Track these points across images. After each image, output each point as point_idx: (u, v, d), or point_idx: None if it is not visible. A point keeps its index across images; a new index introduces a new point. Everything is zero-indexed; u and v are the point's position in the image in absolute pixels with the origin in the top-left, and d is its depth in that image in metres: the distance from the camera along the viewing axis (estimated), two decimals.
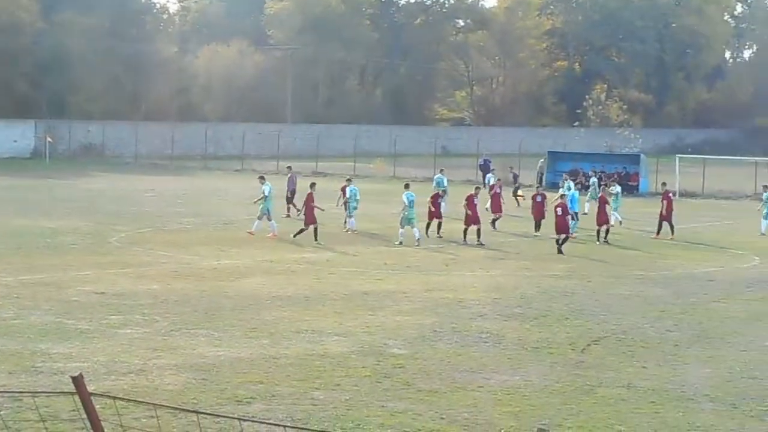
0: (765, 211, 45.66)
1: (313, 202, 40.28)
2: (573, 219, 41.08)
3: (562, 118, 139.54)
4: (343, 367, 20.39)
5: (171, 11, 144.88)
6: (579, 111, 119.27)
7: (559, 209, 39.47)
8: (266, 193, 41.70)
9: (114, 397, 7.90)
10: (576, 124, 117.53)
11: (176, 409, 10.64)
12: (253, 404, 17.86)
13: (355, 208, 44.80)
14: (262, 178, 43.86)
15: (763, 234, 44.81)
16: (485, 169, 69.48)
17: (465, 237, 40.44)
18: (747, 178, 68.22)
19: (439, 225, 42.10)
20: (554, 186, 67.58)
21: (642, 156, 73.63)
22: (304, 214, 40.46)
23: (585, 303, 27.95)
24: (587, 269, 34.59)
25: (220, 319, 24.58)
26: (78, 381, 7.44)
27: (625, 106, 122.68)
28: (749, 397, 18.89)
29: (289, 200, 49.60)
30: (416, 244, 39.38)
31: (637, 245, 41.41)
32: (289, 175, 51.69)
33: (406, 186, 42.67)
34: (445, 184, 53.68)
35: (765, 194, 46.79)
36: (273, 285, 29.61)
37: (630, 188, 66.16)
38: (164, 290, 28.27)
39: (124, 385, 18.75)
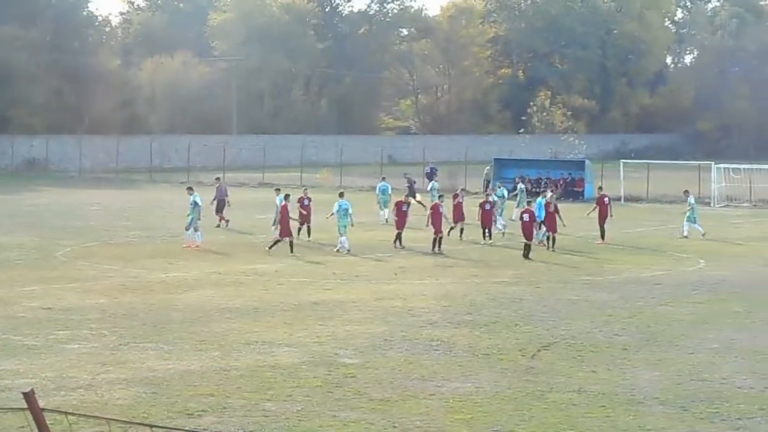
0: (688, 214, 46.16)
1: (288, 214, 40.15)
2: (539, 228, 41.43)
3: (508, 125, 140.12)
4: (294, 378, 20.34)
5: (113, 23, 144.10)
6: (524, 118, 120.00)
7: (525, 215, 40.50)
8: (198, 203, 41.54)
9: (66, 413, 7.84)
10: (521, 131, 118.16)
11: (129, 423, 10.56)
12: (204, 417, 17.78)
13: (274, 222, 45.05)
14: (190, 188, 44.00)
15: (685, 236, 45.26)
16: (431, 177, 69.71)
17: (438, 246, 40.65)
18: (690, 182, 68.71)
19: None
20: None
21: (587, 162, 74.15)
22: (279, 225, 40.21)
23: (534, 309, 28.07)
24: (535, 275, 34.74)
25: (169, 332, 24.44)
26: (29, 396, 7.37)
27: (569, 113, 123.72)
28: (699, 400, 19.04)
29: (218, 210, 50.00)
30: (337, 250, 40.23)
31: (583, 250, 41.60)
32: (217, 185, 51.97)
33: (341, 194, 43.86)
34: (389, 191, 54.33)
35: (688, 198, 47.52)
36: (222, 297, 29.50)
37: (575, 194, 66.64)
38: (112, 304, 28.07)
39: (73, 400, 18.59)
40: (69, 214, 54.91)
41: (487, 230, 43.43)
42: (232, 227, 48.75)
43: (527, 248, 39.16)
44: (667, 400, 18.99)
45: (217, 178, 54.83)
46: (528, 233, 39.67)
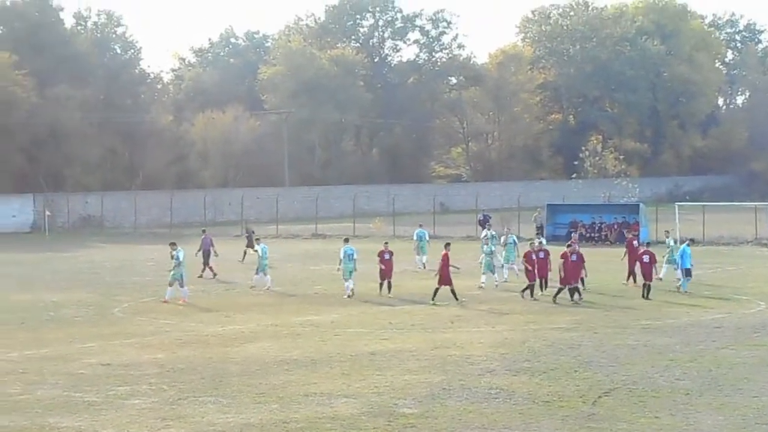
0: (667, 256, 45.54)
1: (448, 262, 39.96)
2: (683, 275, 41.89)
3: (559, 170, 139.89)
4: (353, 429, 20.23)
5: (165, 80, 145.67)
6: (576, 163, 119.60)
7: (645, 256, 40.86)
8: (180, 260, 41.46)
9: None
10: (573, 176, 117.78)
11: None
12: None
13: (266, 266, 45.73)
14: (173, 244, 42.93)
15: (661, 279, 43.98)
16: (484, 224, 69.59)
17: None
18: (747, 224, 68.24)
19: (389, 284, 41.89)
20: (555, 239, 67.71)
21: (641, 205, 73.67)
22: (439, 274, 39.80)
23: (593, 355, 27.82)
24: (593, 321, 34.46)
25: (227, 386, 24.43)
26: None
27: (621, 156, 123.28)
28: None
29: (205, 262, 51.38)
30: (347, 295, 41.35)
31: (640, 295, 41.23)
32: (203, 237, 53.28)
33: (346, 240, 44.58)
34: (427, 237, 55.41)
35: (667, 240, 47.11)
36: (279, 348, 29.49)
37: (636, 237, 66.05)
38: (170, 359, 28.14)
39: None
40: (125, 270, 55.24)
41: (543, 280, 41.51)
42: (287, 278, 48.78)
43: (647, 288, 39.94)
44: None
45: (203, 230, 56.28)
46: (647, 273, 40.27)
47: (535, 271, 40.83)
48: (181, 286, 41.07)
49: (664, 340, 30.02)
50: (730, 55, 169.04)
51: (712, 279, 46.82)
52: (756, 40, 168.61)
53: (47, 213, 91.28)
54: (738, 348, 28.62)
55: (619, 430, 19.86)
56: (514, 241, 48.59)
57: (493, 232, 56.09)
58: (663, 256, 45.98)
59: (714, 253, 60.63)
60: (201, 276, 50.12)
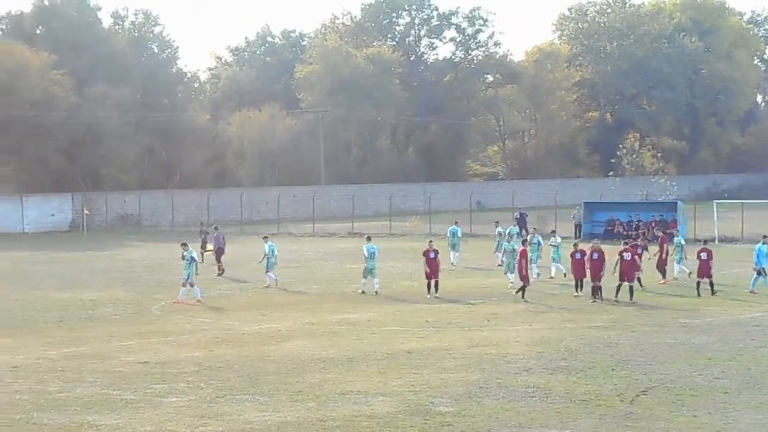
0: (677, 255, 45.44)
1: (526, 256, 40.28)
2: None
3: (596, 168, 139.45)
4: (390, 427, 20.24)
5: (202, 79, 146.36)
6: (613, 160, 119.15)
7: (703, 254, 40.71)
8: (195, 259, 41.48)
9: None
10: (610, 173, 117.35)
11: None
12: None
13: (274, 264, 46.19)
14: (185, 244, 42.69)
15: (676, 278, 44.36)
16: (521, 222, 69.46)
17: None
18: None
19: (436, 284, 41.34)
20: (592, 237, 67.39)
21: (679, 203, 73.27)
22: (517, 272, 40.28)
23: (630, 353, 27.70)
24: (630, 319, 34.32)
25: (264, 384, 24.50)
26: None
27: (659, 154, 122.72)
28: None
29: (217, 259, 52.15)
30: (375, 292, 42.03)
31: (679, 293, 41.03)
32: (215, 234, 53.71)
33: (368, 239, 45.38)
34: (459, 234, 56.07)
35: (676, 239, 46.69)
36: (315, 347, 29.54)
37: (670, 236, 65.72)
38: (207, 357, 28.24)
39: None
40: (162, 269, 55.46)
41: (580, 281, 40.59)
42: (324, 277, 48.88)
43: (712, 286, 40.19)
44: None
45: (216, 228, 56.25)
46: (705, 271, 40.39)
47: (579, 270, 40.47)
48: (192, 286, 41.05)
49: (703, 339, 29.86)
50: None
51: (751, 277, 46.45)
52: None
53: (85, 212, 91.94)
54: None
55: (657, 429, 19.77)
56: (538, 241, 48.33)
57: (517, 230, 56.32)
58: (672, 255, 45.66)
59: (748, 252, 60.09)
60: (220, 274, 50.86)
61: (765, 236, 43.63)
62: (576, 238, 66.51)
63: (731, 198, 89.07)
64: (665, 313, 35.75)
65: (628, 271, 39.07)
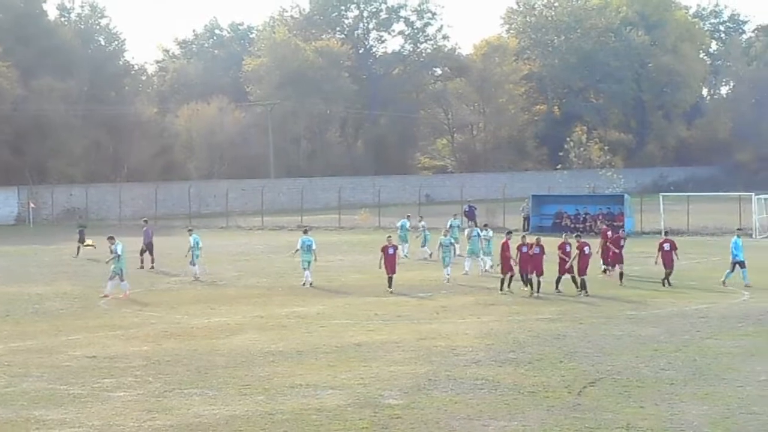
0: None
1: (508, 251, 40.20)
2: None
3: (544, 161, 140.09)
4: (339, 421, 20.25)
5: (149, 72, 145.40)
6: (561, 153, 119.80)
7: (666, 244, 41.00)
8: (119, 253, 41.10)
9: None
10: (558, 166, 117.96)
11: None
12: None
13: (198, 256, 46.59)
14: (111, 238, 42.48)
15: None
16: (470, 215, 69.71)
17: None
18: (731, 214, 68.44)
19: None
20: (540, 230, 67.82)
21: (626, 196, 73.82)
22: (500, 263, 40.33)
23: (578, 345, 27.88)
24: (578, 311, 34.54)
25: (213, 378, 24.43)
26: None
27: (606, 147, 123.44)
28: None
29: (143, 252, 52.26)
30: (307, 285, 42.45)
31: (626, 285, 41.31)
32: (144, 228, 53.96)
33: (305, 231, 45.87)
34: (408, 227, 56.62)
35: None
36: (264, 340, 29.48)
37: (616, 228, 66.19)
38: (155, 351, 28.11)
39: None
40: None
41: (525, 275, 39.54)
42: (273, 270, 48.81)
43: (668, 277, 40.53)
44: None
45: (145, 221, 56.22)
46: (668, 262, 40.63)
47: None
48: (122, 280, 40.76)
49: (649, 331, 30.10)
50: (714, 45, 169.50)
51: (696, 269, 46.94)
52: (740, 30, 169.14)
53: (32, 205, 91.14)
54: (722, 338, 28.72)
55: (604, 420, 19.92)
56: (477, 233, 48.37)
57: (458, 222, 56.63)
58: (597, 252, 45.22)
59: (699, 244, 60.79)
60: (152, 267, 51.07)
61: (739, 229, 44.10)
62: (524, 230, 66.86)
63: (677, 191, 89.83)
64: (613, 305, 36.01)
65: (584, 265, 39.06)
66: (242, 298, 39.36)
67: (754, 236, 63.78)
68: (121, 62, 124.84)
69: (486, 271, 46.59)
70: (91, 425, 20.22)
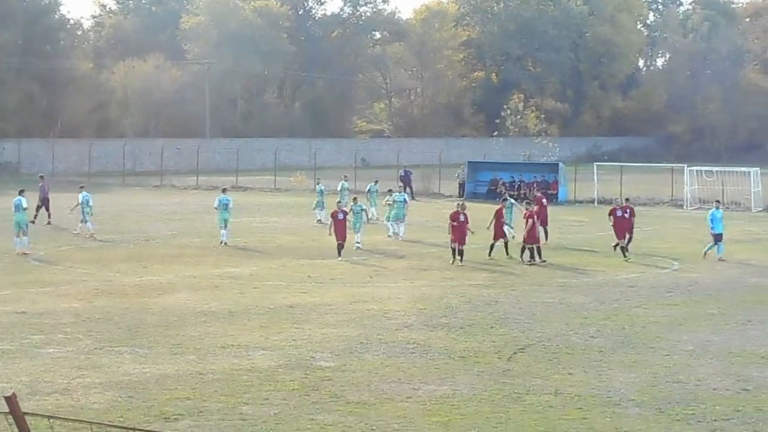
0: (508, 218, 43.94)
1: (502, 218, 39.91)
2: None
3: (481, 128, 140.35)
4: (270, 381, 20.30)
5: (85, 27, 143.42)
6: (497, 121, 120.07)
7: (619, 211, 40.41)
8: (24, 206, 41.13)
9: (50, 416, 7.79)
10: (495, 134, 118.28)
11: (111, 426, 10.44)
12: (181, 421, 17.72)
13: (90, 214, 46.56)
14: (22, 191, 42.44)
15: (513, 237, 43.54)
16: (406, 180, 69.82)
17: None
18: (663, 185, 69.16)
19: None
20: (475, 196, 68.13)
21: (560, 164, 74.31)
22: (494, 230, 39.62)
23: (509, 312, 28.11)
24: (510, 278, 34.79)
25: (144, 336, 24.36)
26: (11, 400, 7.32)
27: (542, 116, 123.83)
28: (674, 401, 19.11)
29: (39, 208, 52.10)
30: (224, 243, 42.99)
31: (558, 253, 41.63)
32: (40, 184, 53.71)
33: (223, 190, 46.49)
34: (347, 187, 55.89)
35: (508, 201, 45.40)
36: (197, 300, 29.42)
37: (550, 196, 66.68)
38: (86, 308, 27.96)
39: (48, 405, 18.50)
40: (41, 218, 54.48)
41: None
42: (207, 231, 48.61)
43: (621, 246, 39.70)
44: (643, 402, 19.06)
45: (41, 176, 55.95)
46: (621, 231, 39.86)
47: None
48: (25, 235, 40.47)
49: (580, 299, 30.41)
50: (651, 17, 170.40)
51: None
52: (677, 2, 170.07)
53: None
54: (651, 307, 29.10)
55: (533, 385, 20.13)
56: (404, 199, 48.19)
57: (377, 188, 55.54)
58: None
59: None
60: (49, 223, 51.34)
61: (717, 201, 44.31)
62: (460, 197, 67.10)
63: (611, 160, 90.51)
64: (544, 272, 36.31)
65: (534, 233, 38.68)
66: (175, 258, 39.20)
67: (685, 207, 64.52)
68: (56, 16, 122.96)
69: (389, 236, 46.28)
70: (20, 381, 20.11)
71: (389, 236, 46.12)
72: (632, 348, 23.64)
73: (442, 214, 45.59)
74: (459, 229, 37.99)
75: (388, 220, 47.11)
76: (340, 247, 39.44)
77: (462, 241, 37.85)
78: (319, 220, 51.94)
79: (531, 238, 38.39)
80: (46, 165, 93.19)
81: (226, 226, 43.69)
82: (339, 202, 43.16)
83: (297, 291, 31.45)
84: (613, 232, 41.02)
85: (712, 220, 40.43)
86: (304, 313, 27.61)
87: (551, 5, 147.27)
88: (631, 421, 17.95)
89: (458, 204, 40.70)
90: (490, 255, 39.18)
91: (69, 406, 18.49)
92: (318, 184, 56.46)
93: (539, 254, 38.40)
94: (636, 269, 37.15)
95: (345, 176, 58.81)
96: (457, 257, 37.64)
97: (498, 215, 39.87)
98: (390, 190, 49.89)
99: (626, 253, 39.66)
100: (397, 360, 22.20)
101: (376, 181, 57.36)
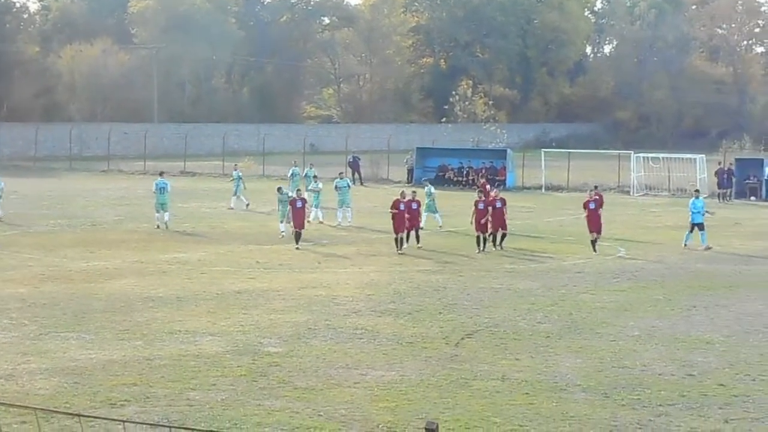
0: (428, 202, 44.17)
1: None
2: None
3: (429, 114, 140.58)
4: (218, 367, 20.25)
5: (32, 10, 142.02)
6: (446, 107, 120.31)
7: (592, 204, 38.36)
8: None
9: None
10: (443, 120, 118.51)
11: (55, 412, 10.40)
12: (127, 406, 17.63)
13: (1, 197, 47.42)
14: None
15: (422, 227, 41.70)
16: (354, 166, 69.80)
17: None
18: (610, 171, 69.57)
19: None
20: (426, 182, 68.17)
21: (508, 151, 74.59)
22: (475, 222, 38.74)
23: (457, 297, 28.20)
24: (458, 264, 34.89)
25: (90, 322, 24.22)
26: None
27: (490, 102, 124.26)
28: (620, 386, 19.25)
29: None
30: (165, 226, 43.72)
31: (506, 240, 41.72)
32: None
33: (161, 174, 47.50)
34: (297, 173, 55.33)
35: (427, 188, 45.73)
36: (144, 286, 29.29)
37: (498, 183, 66.93)
38: (32, 293, 27.75)
39: None
40: None
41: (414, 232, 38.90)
42: (154, 216, 48.37)
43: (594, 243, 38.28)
44: (589, 387, 19.19)
45: None
46: (596, 224, 37.85)
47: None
48: None
49: (527, 284, 30.56)
50: (599, 4, 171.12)
51: (575, 225, 47.61)
52: None
53: None
54: (598, 293, 29.28)
55: (480, 371, 20.21)
56: (347, 184, 48.15)
57: (313, 172, 55.02)
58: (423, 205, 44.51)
59: (578, 200, 61.39)
60: None
61: (697, 190, 43.91)
62: (408, 183, 67.19)
63: (559, 147, 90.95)
64: (492, 258, 36.43)
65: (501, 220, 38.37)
66: (122, 243, 38.99)
67: (631, 194, 64.97)
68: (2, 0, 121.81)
69: (309, 221, 45.87)
70: None
71: (338, 224, 46.03)
72: (579, 333, 23.79)
73: (390, 200, 45.51)
74: (399, 216, 37.73)
75: (316, 207, 46.65)
76: (298, 235, 38.48)
77: (401, 229, 37.59)
78: (232, 208, 52.05)
79: (483, 227, 38.24)
80: None
81: (165, 210, 44.22)
82: (298, 190, 41.98)
83: (245, 276, 31.38)
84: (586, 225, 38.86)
85: (693, 208, 39.23)
86: (252, 298, 27.56)
87: None
88: (578, 406, 18.07)
89: (402, 192, 40.35)
90: (483, 248, 37.91)
91: (14, 391, 18.35)
92: (235, 170, 55.85)
93: (490, 242, 38.32)
94: (583, 255, 37.34)
95: (294, 162, 58.60)
96: (404, 245, 37.55)
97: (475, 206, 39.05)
98: (341, 174, 50.32)
99: (596, 248, 37.70)
100: (345, 346, 22.22)
101: (311, 166, 56.89)
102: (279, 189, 43.70)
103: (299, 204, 39.18)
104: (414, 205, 38.87)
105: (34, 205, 53.65)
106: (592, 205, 38.35)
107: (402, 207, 37.99)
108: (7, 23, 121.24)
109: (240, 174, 54.33)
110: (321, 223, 46.10)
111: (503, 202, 38.97)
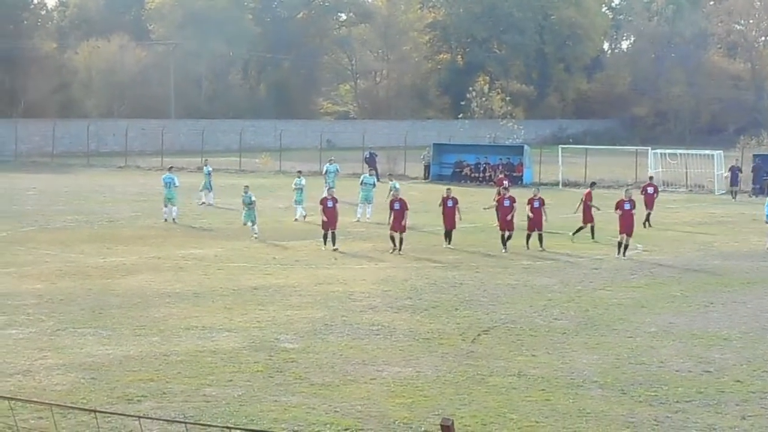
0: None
1: (590, 201, 39.95)
2: None
3: (446, 110, 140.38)
4: (234, 363, 20.26)
5: (49, 6, 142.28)
6: (463, 103, 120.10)
7: (506, 201, 38.17)
8: None
9: (11, 398, 7.74)
10: (460, 116, 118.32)
11: (71, 408, 10.41)
12: (144, 402, 17.65)
13: None
14: None
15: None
16: (371, 162, 69.72)
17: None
18: (627, 168, 69.41)
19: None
20: (440, 178, 68.22)
21: (525, 147, 74.41)
22: (582, 213, 40.09)
23: (473, 293, 28.16)
24: (474, 260, 34.83)
25: (107, 317, 24.26)
26: None
27: (507, 98, 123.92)
28: (637, 383, 19.20)
29: None
30: (174, 221, 44.29)
31: (522, 236, 41.62)
32: None
33: (169, 169, 48.10)
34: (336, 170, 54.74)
35: (391, 183, 43.50)
36: (161, 281, 29.32)
37: (515, 179, 66.81)
38: (49, 289, 27.81)
39: (10, 386, 18.37)
40: (4, 199, 54.26)
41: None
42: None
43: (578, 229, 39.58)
44: (606, 384, 19.14)
45: None
46: (629, 226, 36.62)
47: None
48: None
49: (544, 281, 30.50)
50: (617, 0, 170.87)
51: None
52: None
53: None
54: (614, 289, 29.20)
55: (497, 367, 20.18)
56: (374, 182, 47.93)
57: (336, 167, 54.67)
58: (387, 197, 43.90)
59: (595, 196, 61.37)
60: None
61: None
62: (425, 179, 67.16)
63: (576, 143, 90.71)
64: (509, 254, 36.35)
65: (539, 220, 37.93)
66: (139, 239, 39.05)
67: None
68: None
69: (296, 219, 45.63)
70: None
71: (357, 220, 45.91)
72: (595, 330, 23.74)
73: (407, 197, 45.47)
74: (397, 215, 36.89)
75: (298, 204, 46.26)
76: (333, 236, 37.11)
77: (396, 228, 36.62)
78: (204, 203, 52.19)
79: (509, 224, 37.75)
80: (8, 146, 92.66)
81: (172, 204, 44.99)
82: (331, 188, 40.70)
83: (262, 272, 31.39)
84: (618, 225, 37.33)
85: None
86: (268, 294, 27.57)
87: None
88: (594, 402, 18.02)
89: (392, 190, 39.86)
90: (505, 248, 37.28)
91: (31, 387, 18.39)
92: (205, 165, 55.12)
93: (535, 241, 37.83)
94: (600, 251, 37.27)
95: (331, 159, 57.07)
96: (397, 246, 36.56)
97: (500, 202, 38.92)
98: (371, 170, 50.64)
99: (625, 252, 36.14)
100: (362, 342, 22.21)
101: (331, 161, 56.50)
102: (245, 188, 41.33)
103: (330, 204, 37.44)
104: (450, 203, 38.20)
105: (52, 201, 53.78)
106: (627, 206, 36.78)
107: (398, 206, 36.83)
108: (24, 20, 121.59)
109: (210, 169, 54.24)
110: (297, 220, 45.62)
111: (541, 201, 38.19)
